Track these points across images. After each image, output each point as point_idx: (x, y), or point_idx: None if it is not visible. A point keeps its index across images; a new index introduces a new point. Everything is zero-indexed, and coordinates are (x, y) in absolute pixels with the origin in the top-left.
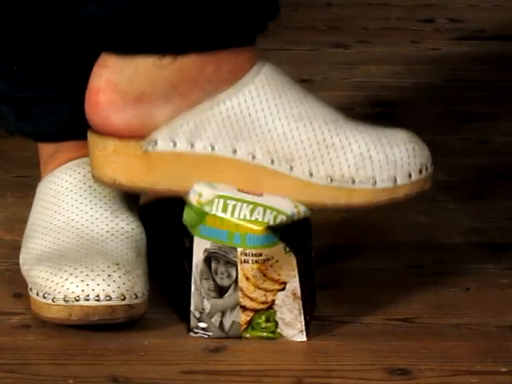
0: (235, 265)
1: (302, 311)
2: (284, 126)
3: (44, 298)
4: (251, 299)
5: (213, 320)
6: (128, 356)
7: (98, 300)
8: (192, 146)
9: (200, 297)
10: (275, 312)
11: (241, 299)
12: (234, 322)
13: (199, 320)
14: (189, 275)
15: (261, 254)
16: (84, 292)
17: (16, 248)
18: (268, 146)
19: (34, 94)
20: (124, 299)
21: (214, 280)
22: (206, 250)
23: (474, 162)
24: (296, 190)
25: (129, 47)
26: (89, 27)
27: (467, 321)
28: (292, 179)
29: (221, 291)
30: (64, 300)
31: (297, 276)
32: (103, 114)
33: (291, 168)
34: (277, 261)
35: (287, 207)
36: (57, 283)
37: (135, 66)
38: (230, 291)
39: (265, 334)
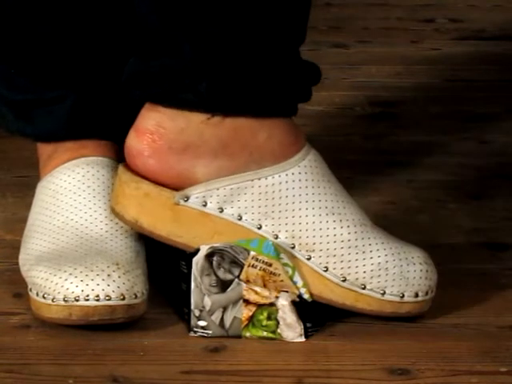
0: (241, 266)
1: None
2: (315, 216)
3: (44, 298)
4: (255, 292)
5: (213, 317)
6: (128, 356)
7: (97, 300)
8: (221, 210)
9: (200, 294)
10: (277, 310)
11: (245, 292)
12: (235, 318)
13: (199, 318)
14: (186, 275)
15: (271, 265)
16: (84, 292)
17: (16, 248)
18: (294, 230)
19: (32, 96)
20: (124, 299)
21: (216, 275)
22: (212, 246)
23: (474, 162)
24: (307, 279)
25: (180, 104)
26: (137, 83)
27: (467, 321)
28: (307, 268)
29: (223, 286)
30: (64, 300)
31: (296, 298)
32: (145, 157)
33: (309, 258)
34: (281, 280)
35: None
36: (56, 283)
37: (188, 118)
38: (234, 285)
39: (265, 333)
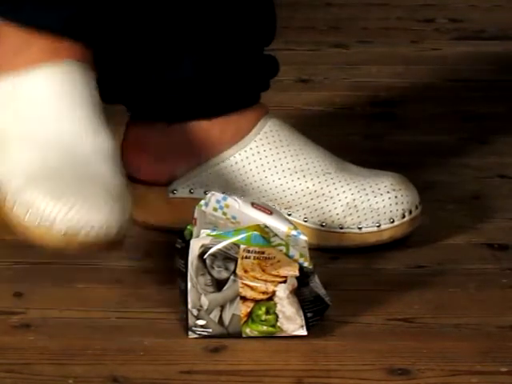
0: (235, 260)
1: (301, 306)
2: (281, 179)
3: (39, 223)
4: (251, 288)
5: (212, 316)
6: (128, 356)
7: (97, 231)
8: (206, 192)
9: (197, 293)
10: (275, 304)
11: (241, 289)
12: (233, 315)
13: (197, 318)
14: (184, 274)
15: (263, 253)
16: (83, 223)
17: (16, 248)
18: (269, 196)
19: None
20: (119, 228)
21: (210, 274)
22: (203, 245)
23: (474, 162)
24: None
25: (141, 116)
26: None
27: (467, 321)
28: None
29: (219, 285)
30: (66, 229)
31: (297, 273)
32: (134, 166)
33: (290, 214)
34: (278, 261)
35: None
36: (58, 211)
37: (154, 130)
38: (229, 283)
39: (265, 327)
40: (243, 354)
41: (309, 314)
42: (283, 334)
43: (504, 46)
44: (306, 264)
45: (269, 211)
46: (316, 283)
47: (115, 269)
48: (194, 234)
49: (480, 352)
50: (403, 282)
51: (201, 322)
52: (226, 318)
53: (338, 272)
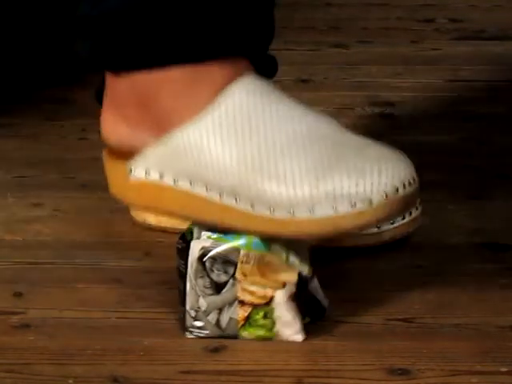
0: (235, 264)
1: (299, 312)
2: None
3: (354, 205)
4: (250, 293)
5: (209, 318)
6: (128, 356)
7: (409, 185)
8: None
9: (195, 295)
10: (273, 309)
11: (239, 293)
12: (231, 318)
13: (195, 319)
14: (184, 274)
15: (263, 258)
16: (400, 180)
17: (16, 248)
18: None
19: None
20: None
21: (209, 277)
22: (203, 247)
23: (474, 162)
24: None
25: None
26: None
27: (467, 321)
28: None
29: (218, 287)
30: (385, 196)
31: (296, 279)
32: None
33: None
34: (278, 267)
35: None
36: (371, 183)
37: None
38: (228, 286)
39: (262, 332)
40: (243, 353)
41: (306, 319)
42: (280, 339)
43: (504, 45)
44: (305, 271)
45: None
46: (314, 287)
47: (115, 269)
48: (195, 234)
49: (480, 352)
50: (403, 282)
51: (198, 324)
52: (224, 321)
53: (338, 272)
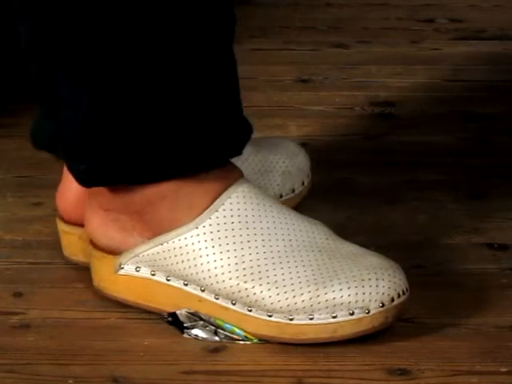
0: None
1: None
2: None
3: (352, 314)
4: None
5: (207, 329)
6: (128, 356)
7: (399, 296)
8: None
9: (193, 321)
10: None
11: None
12: (227, 335)
13: (192, 328)
14: (171, 323)
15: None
16: (395, 291)
17: (16, 248)
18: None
19: None
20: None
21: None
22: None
23: (474, 162)
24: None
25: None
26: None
27: (467, 321)
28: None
29: (215, 325)
30: (381, 304)
31: None
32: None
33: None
34: None
35: None
36: (370, 293)
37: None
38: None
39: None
40: (243, 354)
41: None
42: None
43: (504, 45)
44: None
45: None
46: None
47: None
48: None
49: (480, 352)
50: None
51: (195, 332)
52: (221, 334)
53: None
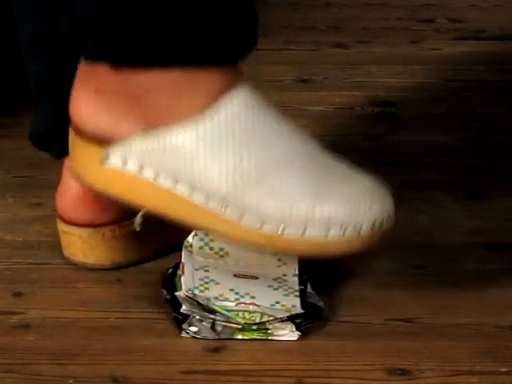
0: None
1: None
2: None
3: (343, 232)
4: (243, 318)
5: (204, 323)
6: (128, 356)
7: (387, 221)
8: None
9: (190, 304)
10: (267, 321)
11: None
12: (225, 326)
13: (190, 324)
14: (169, 301)
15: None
16: (382, 215)
17: (16, 248)
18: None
19: None
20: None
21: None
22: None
23: (474, 162)
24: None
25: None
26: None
27: (467, 321)
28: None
29: (211, 311)
30: (372, 226)
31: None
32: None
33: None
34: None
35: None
36: (363, 214)
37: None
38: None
39: (256, 334)
40: (243, 353)
41: (297, 320)
42: (275, 339)
43: (504, 45)
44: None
45: (254, 276)
46: (308, 294)
47: (115, 269)
48: (183, 284)
49: (480, 352)
50: (403, 281)
51: (193, 329)
52: (218, 328)
53: (338, 272)
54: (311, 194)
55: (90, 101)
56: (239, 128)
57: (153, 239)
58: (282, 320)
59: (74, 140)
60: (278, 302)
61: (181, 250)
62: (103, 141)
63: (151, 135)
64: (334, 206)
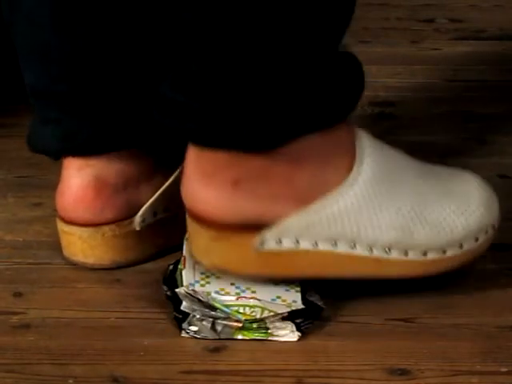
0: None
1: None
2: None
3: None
4: (243, 314)
5: (204, 323)
6: (128, 356)
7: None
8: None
9: (191, 301)
10: (266, 321)
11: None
12: (225, 325)
13: (190, 324)
14: (170, 297)
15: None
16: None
17: (16, 248)
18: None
19: None
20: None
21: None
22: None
23: (474, 162)
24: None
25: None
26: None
27: (467, 321)
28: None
29: (211, 308)
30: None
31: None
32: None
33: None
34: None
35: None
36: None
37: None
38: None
39: (256, 334)
40: (243, 353)
41: (297, 320)
42: (275, 339)
43: (504, 45)
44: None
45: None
46: (309, 293)
47: (115, 269)
48: (184, 277)
49: (480, 352)
50: (403, 282)
51: (193, 328)
52: (219, 327)
53: None
54: (462, 216)
55: (229, 195)
56: (383, 175)
57: (153, 239)
58: (283, 317)
59: (207, 235)
60: (278, 297)
61: (182, 248)
62: (251, 227)
63: (307, 211)
64: (472, 220)
